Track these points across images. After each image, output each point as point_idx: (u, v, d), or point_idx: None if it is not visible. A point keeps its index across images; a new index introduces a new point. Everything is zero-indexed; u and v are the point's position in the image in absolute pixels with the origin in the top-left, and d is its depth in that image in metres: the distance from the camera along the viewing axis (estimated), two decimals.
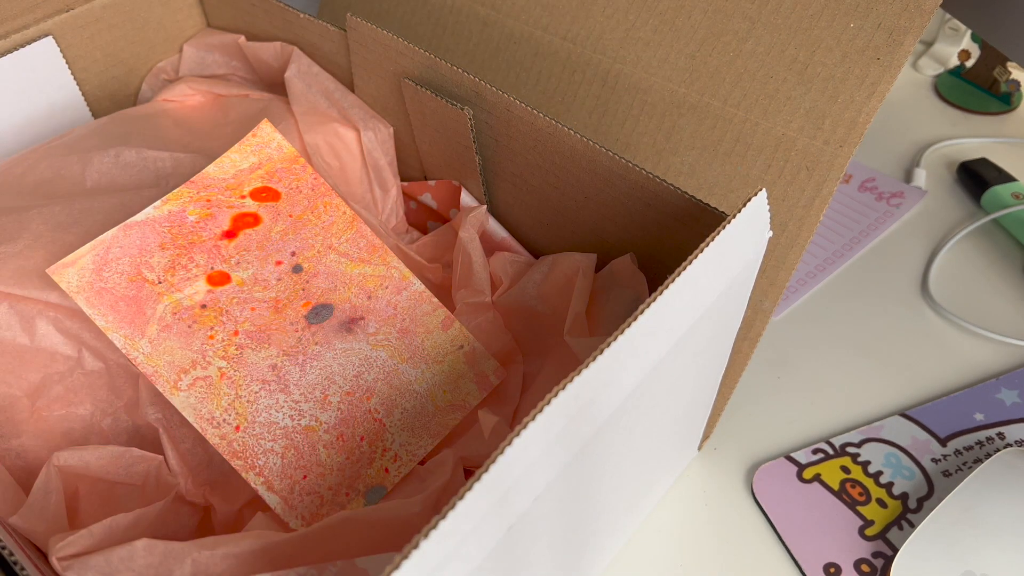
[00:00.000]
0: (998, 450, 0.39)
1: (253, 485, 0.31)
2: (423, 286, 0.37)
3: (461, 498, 0.18)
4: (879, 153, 0.58)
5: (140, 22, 0.45)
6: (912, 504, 0.38)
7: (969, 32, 0.62)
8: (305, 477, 0.32)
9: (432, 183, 0.42)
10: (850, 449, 0.40)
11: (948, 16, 0.62)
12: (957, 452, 0.39)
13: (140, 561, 0.27)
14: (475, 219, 0.38)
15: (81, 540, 0.27)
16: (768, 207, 0.27)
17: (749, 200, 0.25)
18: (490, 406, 0.35)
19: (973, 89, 0.62)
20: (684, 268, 0.23)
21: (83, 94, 0.45)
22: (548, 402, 0.20)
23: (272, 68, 0.44)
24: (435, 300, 0.37)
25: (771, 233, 0.28)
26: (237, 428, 0.32)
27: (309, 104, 0.41)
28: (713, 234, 0.24)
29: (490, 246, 0.40)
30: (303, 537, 0.28)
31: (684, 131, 0.37)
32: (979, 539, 0.34)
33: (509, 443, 0.19)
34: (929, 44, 0.64)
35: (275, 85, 0.44)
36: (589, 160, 0.32)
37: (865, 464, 0.39)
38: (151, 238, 0.33)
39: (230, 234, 0.34)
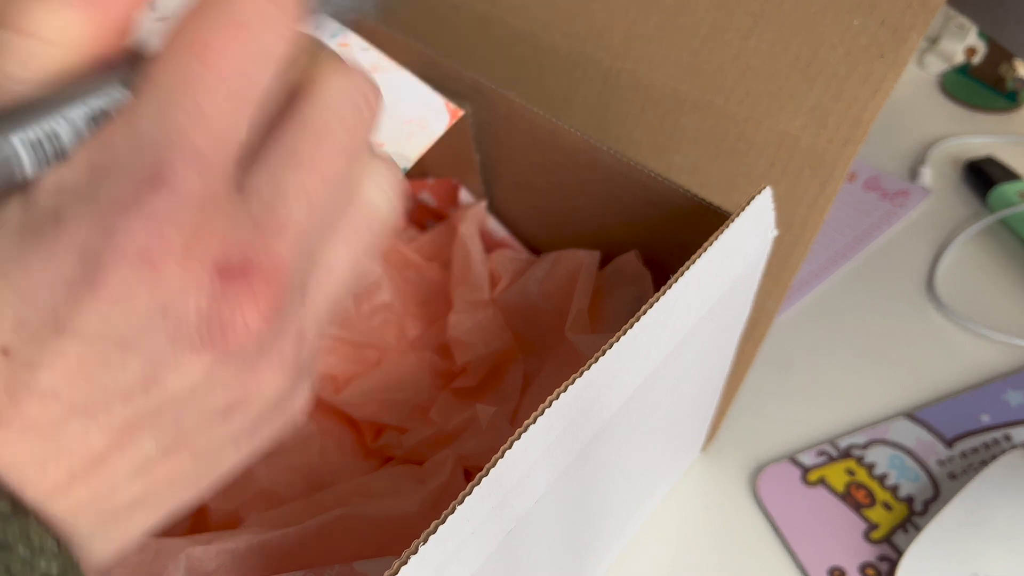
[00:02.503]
0: (1005, 452, 0.38)
1: None
2: None
3: (460, 502, 0.18)
4: (884, 151, 0.57)
5: None
6: (918, 507, 0.37)
7: (975, 28, 0.62)
8: None
9: (431, 181, 0.42)
10: (855, 451, 0.39)
11: (954, 12, 0.62)
12: (963, 454, 0.39)
13: (133, 558, 0.27)
14: (475, 215, 0.38)
15: None
16: (773, 205, 0.26)
17: (753, 198, 0.25)
18: (490, 404, 0.35)
19: (979, 87, 0.61)
20: (687, 267, 0.23)
21: None
22: (549, 404, 0.20)
23: None
24: None
25: (776, 232, 0.28)
26: None
27: None
28: (717, 232, 0.24)
29: (490, 245, 0.40)
30: (300, 533, 0.28)
31: (686, 129, 0.36)
32: (985, 542, 0.34)
33: (509, 446, 0.19)
34: (934, 41, 0.64)
35: None
36: (590, 159, 0.32)
37: (870, 467, 0.39)
38: None
39: None
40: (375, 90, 0.16)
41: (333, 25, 0.24)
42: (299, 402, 0.17)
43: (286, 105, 0.15)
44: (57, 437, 0.13)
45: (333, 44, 0.24)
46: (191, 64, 0.13)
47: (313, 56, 0.15)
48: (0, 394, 0.13)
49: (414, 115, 0.25)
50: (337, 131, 0.15)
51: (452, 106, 0.25)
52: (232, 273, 0.13)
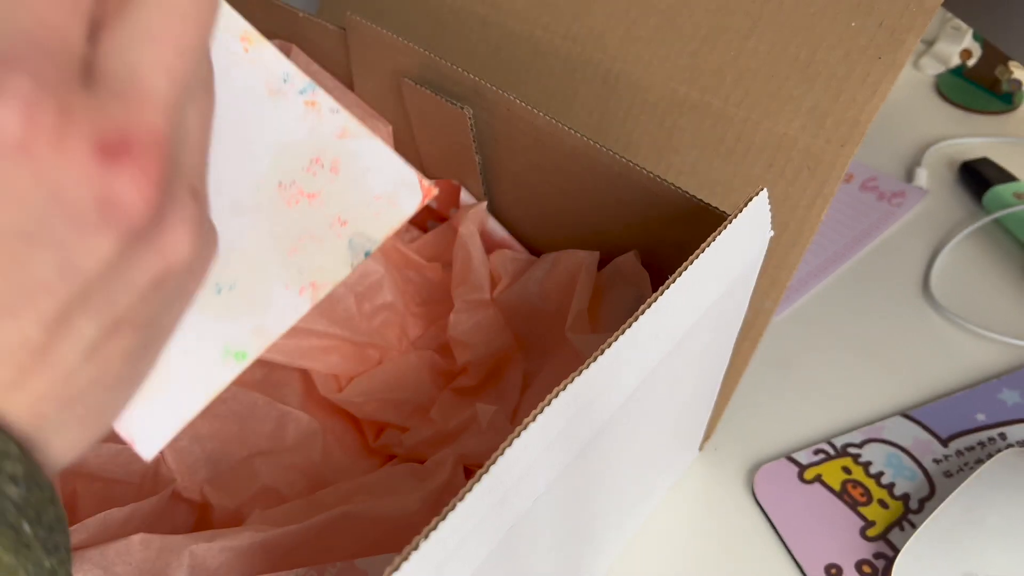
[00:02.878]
0: (1000, 451, 0.39)
1: None
2: None
3: (461, 499, 0.18)
4: (880, 152, 0.57)
5: None
6: (914, 505, 0.38)
7: (971, 31, 0.62)
8: None
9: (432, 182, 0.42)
10: (851, 450, 0.40)
11: (950, 15, 0.62)
12: (959, 452, 0.39)
13: (137, 555, 0.27)
14: (475, 215, 0.38)
15: (75, 534, 0.27)
16: (769, 207, 0.27)
17: (750, 200, 0.25)
18: (490, 403, 0.35)
19: (974, 88, 0.61)
20: (685, 268, 0.23)
21: None
22: (548, 402, 0.20)
23: None
24: None
25: (772, 233, 0.28)
26: None
27: None
28: (715, 234, 0.24)
29: (490, 245, 0.40)
30: (302, 531, 0.28)
31: (685, 130, 0.36)
32: (980, 540, 0.34)
33: (509, 444, 0.19)
34: (931, 43, 0.64)
35: None
36: (589, 159, 0.32)
37: (866, 465, 0.39)
38: None
39: None
40: None
41: (302, 81, 0.22)
42: (213, 252, 0.18)
43: None
44: None
45: (299, 101, 0.22)
46: None
47: None
48: None
49: (383, 190, 0.23)
50: (184, 2, 0.15)
51: (426, 183, 0.23)
52: (113, 150, 0.14)
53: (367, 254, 0.23)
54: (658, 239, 0.32)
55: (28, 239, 0.14)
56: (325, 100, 0.23)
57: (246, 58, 0.22)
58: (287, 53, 0.42)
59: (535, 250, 0.40)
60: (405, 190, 0.23)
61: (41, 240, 0.14)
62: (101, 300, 0.15)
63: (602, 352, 0.21)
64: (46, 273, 0.14)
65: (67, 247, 0.14)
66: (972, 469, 0.38)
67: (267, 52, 0.22)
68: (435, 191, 0.23)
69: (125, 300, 0.15)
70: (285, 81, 0.22)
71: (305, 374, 0.38)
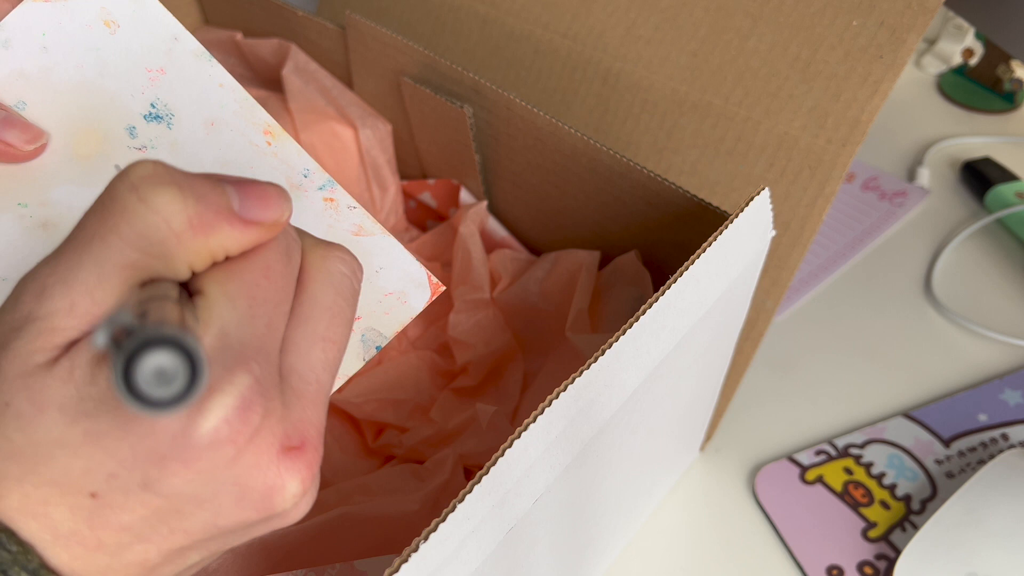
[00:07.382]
0: (1002, 451, 0.39)
1: None
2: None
3: (461, 500, 0.18)
4: (882, 152, 0.57)
5: None
6: (915, 506, 0.37)
7: (973, 30, 0.62)
8: None
9: (431, 182, 0.42)
10: (853, 450, 0.40)
11: (952, 14, 0.62)
12: (960, 453, 0.39)
13: None
14: (475, 214, 0.38)
15: None
16: (771, 206, 0.27)
17: (752, 199, 0.25)
18: (490, 404, 0.35)
19: (976, 88, 0.61)
20: (687, 267, 0.23)
21: None
22: (549, 403, 0.20)
23: (269, 65, 0.44)
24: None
25: (774, 232, 0.28)
26: None
27: (306, 101, 0.41)
28: (716, 233, 0.24)
29: (490, 245, 0.40)
30: (301, 532, 0.28)
31: (685, 130, 0.36)
32: (982, 541, 0.34)
33: (509, 445, 0.19)
34: (932, 42, 0.64)
35: (272, 82, 0.44)
36: (590, 159, 0.32)
37: (868, 466, 0.39)
38: None
39: None
40: (356, 261, 0.20)
41: (321, 177, 0.23)
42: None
43: (297, 288, 0.19)
44: (121, 555, 0.16)
45: (319, 197, 0.23)
46: (248, 298, 0.17)
47: (305, 244, 0.19)
48: (81, 523, 0.16)
49: (394, 287, 0.24)
50: (342, 306, 0.19)
51: (434, 280, 0.24)
52: (291, 452, 0.17)
53: (378, 349, 0.24)
54: (659, 239, 0.32)
55: (198, 502, 0.16)
56: (343, 197, 0.24)
57: (268, 151, 0.23)
58: (286, 52, 0.42)
59: (535, 250, 0.40)
60: (415, 288, 0.25)
61: (207, 505, 0.16)
62: (216, 544, 0.18)
63: (603, 352, 0.21)
64: (194, 525, 0.16)
65: (222, 514, 0.17)
66: (974, 470, 0.38)
67: (289, 147, 0.23)
68: (442, 288, 0.24)
69: (234, 543, 0.18)
70: (306, 176, 0.23)
71: None
